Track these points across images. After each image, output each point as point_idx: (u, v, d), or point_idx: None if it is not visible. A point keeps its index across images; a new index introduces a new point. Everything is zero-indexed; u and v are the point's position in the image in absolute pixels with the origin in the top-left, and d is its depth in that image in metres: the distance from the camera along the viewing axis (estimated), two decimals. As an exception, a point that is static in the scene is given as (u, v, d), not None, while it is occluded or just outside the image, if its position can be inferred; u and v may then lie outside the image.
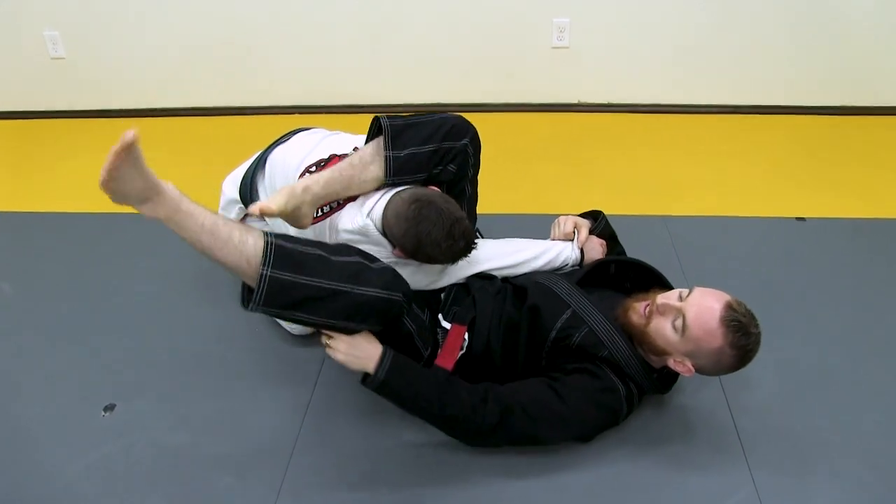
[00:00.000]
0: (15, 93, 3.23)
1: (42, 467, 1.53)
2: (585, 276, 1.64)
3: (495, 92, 3.11)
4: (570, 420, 1.45)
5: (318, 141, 1.77)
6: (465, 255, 1.57)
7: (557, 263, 1.74)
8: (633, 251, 1.84)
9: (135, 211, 1.34)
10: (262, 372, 1.76)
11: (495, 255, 1.72)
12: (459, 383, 1.46)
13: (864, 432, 1.56)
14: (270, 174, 1.77)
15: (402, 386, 1.43)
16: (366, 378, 1.44)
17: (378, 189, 1.62)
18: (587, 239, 1.77)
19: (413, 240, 1.51)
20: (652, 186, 2.54)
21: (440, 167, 1.61)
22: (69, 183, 2.67)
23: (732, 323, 1.36)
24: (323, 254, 1.38)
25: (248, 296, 1.35)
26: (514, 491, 1.45)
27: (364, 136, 1.68)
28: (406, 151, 1.57)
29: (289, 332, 1.84)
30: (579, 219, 1.80)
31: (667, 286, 1.60)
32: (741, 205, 2.42)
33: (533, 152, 2.81)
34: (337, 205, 1.65)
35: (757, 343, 1.40)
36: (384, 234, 1.58)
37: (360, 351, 1.42)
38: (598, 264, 1.69)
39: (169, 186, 1.33)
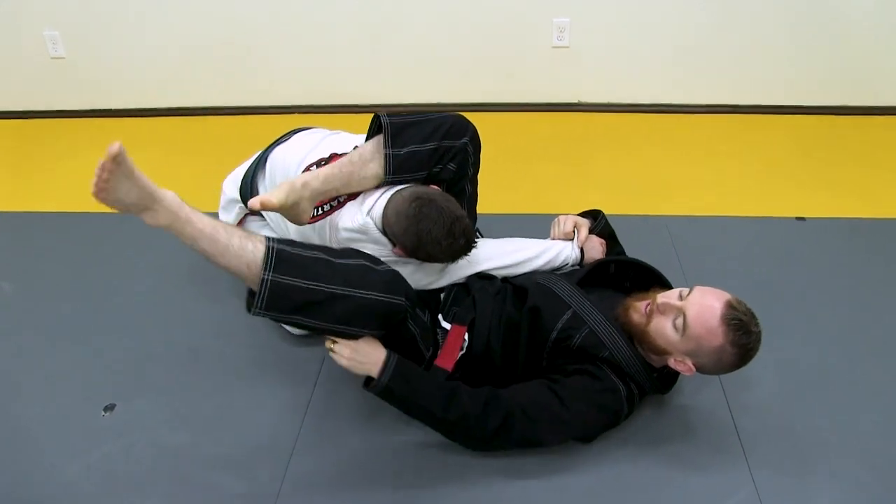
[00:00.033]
0: (15, 92, 3.23)
1: (42, 467, 1.53)
2: (585, 276, 1.64)
3: (495, 92, 3.11)
4: (571, 423, 1.45)
5: (318, 140, 1.77)
6: (466, 254, 1.57)
7: (557, 263, 1.74)
8: (633, 251, 1.85)
9: None
10: (262, 371, 1.76)
11: (495, 255, 1.72)
12: (462, 389, 1.45)
13: (862, 432, 1.56)
14: (271, 173, 1.77)
15: (406, 391, 1.42)
16: (369, 382, 1.44)
17: (378, 187, 1.62)
18: (587, 238, 1.77)
19: (413, 238, 1.51)
20: (652, 186, 2.54)
21: (440, 166, 1.61)
22: (69, 183, 2.66)
23: (733, 321, 1.37)
24: (326, 257, 1.38)
25: (251, 300, 1.35)
26: (514, 491, 1.45)
27: (364, 136, 1.68)
28: (406, 149, 1.57)
29: (289, 332, 1.84)
30: (579, 218, 1.80)
31: (667, 286, 1.60)
32: (741, 204, 2.42)
33: (533, 152, 2.81)
34: (337, 203, 1.65)
35: (758, 341, 1.40)
36: (384, 232, 1.58)
37: (363, 356, 1.42)
38: (598, 264, 1.69)
39: (168, 194, 1.34)
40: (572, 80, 3.08)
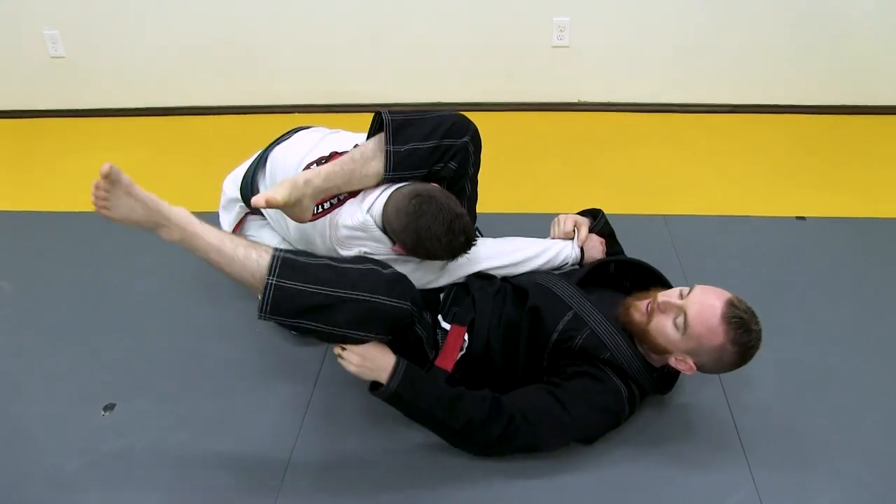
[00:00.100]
0: (14, 92, 3.22)
1: (42, 467, 1.52)
2: (585, 276, 1.64)
3: (495, 91, 3.11)
4: (572, 426, 1.45)
5: (318, 139, 1.77)
6: (465, 251, 1.57)
7: (557, 262, 1.74)
8: (633, 251, 1.84)
9: None
10: (262, 372, 1.76)
11: (495, 254, 1.72)
12: (467, 397, 1.45)
13: (863, 432, 1.56)
14: (271, 172, 1.77)
15: (412, 397, 1.42)
16: (376, 386, 1.43)
17: (378, 185, 1.62)
18: (587, 237, 1.77)
19: (413, 235, 1.51)
20: (652, 186, 2.54)
21: (440, 164, 1.61)
22: (69, 182, 2.66)
23: (734, 320, 1.37)
24: (331, 263, 1.40)
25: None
26: (514, 491, 1.45)
27: (365, 135, 1.68)
28: (407, 147, 1.57)
29: (289, 333, 1.84)
30: (579, 217, 1.80)
31: (667, 285, 1.60)
32: (741, 204, 2.41)
33: (533, 151, 2.81)
34: (337, 201, 1.65)
35: (758, 340, 1.40)
36: (384, 230, 1.58)
37: (372, 363, 1.41)
38: (598, 264, 1.69)
39: (176, 210, 1.39)
40: (572, 80, 3.08)
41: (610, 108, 3.10)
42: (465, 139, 1.61)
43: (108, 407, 1.67)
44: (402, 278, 1.43)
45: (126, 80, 3.16)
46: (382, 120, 1.58)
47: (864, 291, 1.98)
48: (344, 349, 1.42)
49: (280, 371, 1.76)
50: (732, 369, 1.44)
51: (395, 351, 1.44)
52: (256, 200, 1.50)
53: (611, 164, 2.70)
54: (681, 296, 1.43)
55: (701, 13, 2.88)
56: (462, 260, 1.63)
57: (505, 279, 1.71)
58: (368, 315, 1.36)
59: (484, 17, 2.94)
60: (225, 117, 3.16)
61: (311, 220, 1.63)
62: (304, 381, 1.72)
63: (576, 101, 3.12)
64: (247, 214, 1.89)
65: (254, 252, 1.38)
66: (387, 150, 1.57)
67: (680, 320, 1.40)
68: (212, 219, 1.60)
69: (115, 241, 2.25)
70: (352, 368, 1.42)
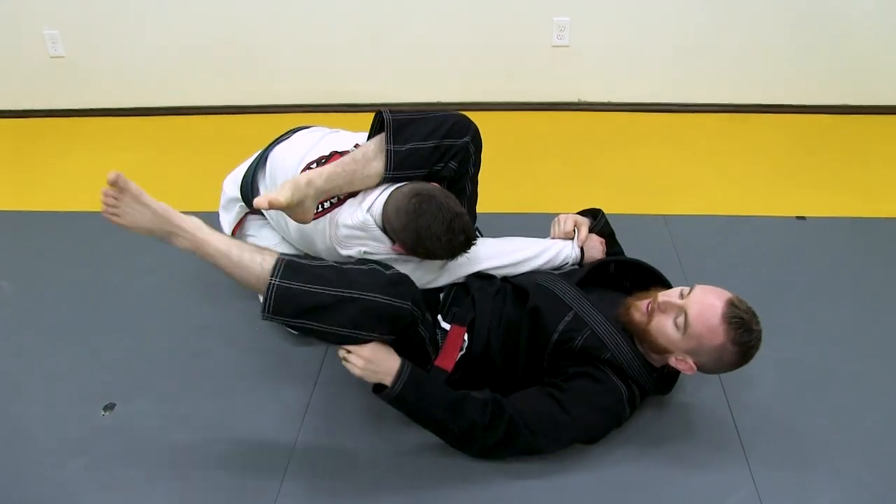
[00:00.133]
0: (14, 91, 3.22)
1: (42, 467, 1.52)
2: (585, 276, 1.64)
3: (495, 91, 3.11)
4: (573, 428, 1.45)
5: (318, 139, 1.77)
6: (465, 251, 1.57)
7: (557, 262, 1.74)
8: (633, 250, 1.84)
9: None
10: (262, 372, 1.76)
11: (495, 254, 1.72)
12: (469, 400, 1.44)
13: (863, 431, 1.56)
14: (271, 172, 1.77)
15: (416, 400, 1.43)
16: (379, 389, 1.43)
17: (379, 185, 1.62)
18: (587, 237, 1.77)
19: (413, 234, 1.51)
20: (652, 185, 2.54)
21: (441, 164, 1.61)
22: (69, 182, 2.66)
23: (734, 320, 1.37)
24: (334, 264, 1.42)
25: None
26: (514, 491, 1.45)
27: (365, 134, 1.68)
28: (408, 146, 1.57)
29: (289, 333, 1.84)
30: (579, 217, 1.80)
31: (667, 285, 1.60)
32: (741, 204, 2.41)
33: (533, 151, 2.81)
34: (337, 200, 1.65)
35: (758, 340, 1.40)
36: (384, 229, 1.58)
37: (377, 365, 1.41)
38: (598, 264, 1.69)
39: (187, 219, 1.43)
40: (572, 80, 3.07)
41: (610, 108, 3.10)
42: (465, 139, 1.61)
43: (108, 407, 1.67)
44: (405, 279, 1.43)
45: (126, 79, 3.16)
46: (383, 119, 1.58)
47: (864, 291, 1.98)
48: (349, 351, 1.42)
49: (280, 371, 1.76)
50: (733, 369, 1.44)
51: (397, 351, 1.44)
52: (259, 202, 1.49)
53: (611, 164, 2.70)
54: (681, 296, 1.43)
55: (701, 13, 2.88)
56: (462, 260, 1.63)
57: (505, 279, 1.71)
58: (369, 314, 1.36)
59: (484, 17, 2.94)
60: (225, 117, 3.16)
61: (312, 220, 1.63)
62: (304, 381, 1.72)
63: (576, 100, 3.12)
64: (247, 214, 1.88)
65: (258, 256, 1.40)
66: (387, 150, 1.57)
67: (680, 320, 1.40)
68: (212, 219, 1.61)
69: (115, 241, 2.25)
70: (356, 371, 1.42)
